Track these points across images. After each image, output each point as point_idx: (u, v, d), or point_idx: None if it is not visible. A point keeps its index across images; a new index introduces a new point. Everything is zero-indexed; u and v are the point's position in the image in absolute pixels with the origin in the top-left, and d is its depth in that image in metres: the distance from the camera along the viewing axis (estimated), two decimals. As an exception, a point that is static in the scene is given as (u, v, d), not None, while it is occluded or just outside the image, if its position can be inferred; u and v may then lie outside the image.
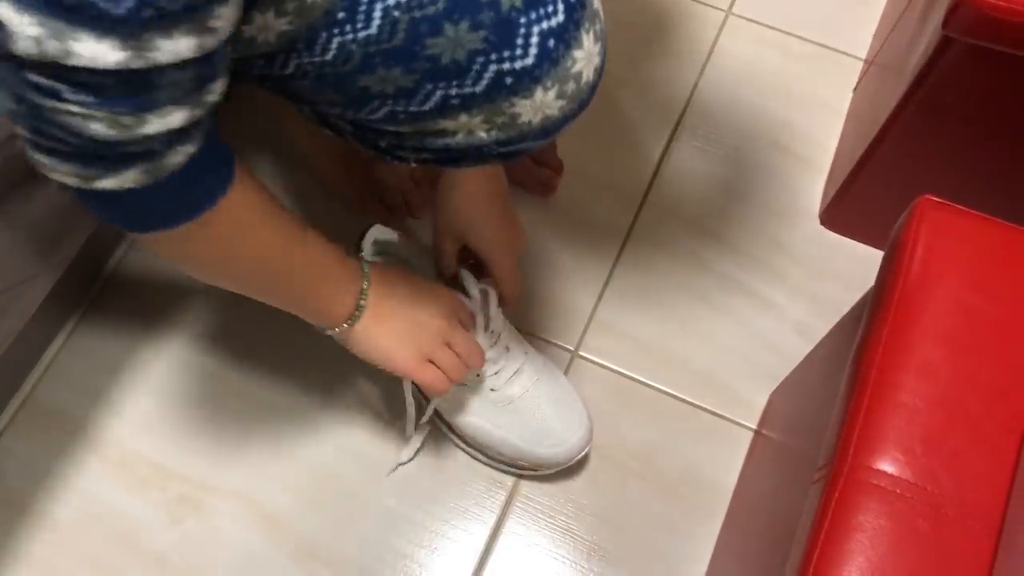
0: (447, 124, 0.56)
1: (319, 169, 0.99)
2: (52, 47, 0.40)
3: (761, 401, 0.93)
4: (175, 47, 0.42)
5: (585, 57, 0.57)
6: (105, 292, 0.95)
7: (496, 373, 0.83)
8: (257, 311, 0.94)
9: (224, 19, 0.44)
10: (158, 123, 0.45)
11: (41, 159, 0.47)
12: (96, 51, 0.40)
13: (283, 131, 0.99)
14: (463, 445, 0.89)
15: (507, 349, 0.83)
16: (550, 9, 0.54)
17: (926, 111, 0.83)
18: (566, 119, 0.59)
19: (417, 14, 0.50)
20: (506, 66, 0.53)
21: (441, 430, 0.89)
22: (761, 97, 1.11)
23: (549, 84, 0.55)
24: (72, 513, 0.86)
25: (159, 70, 0.43)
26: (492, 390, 0.83)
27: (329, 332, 0.71)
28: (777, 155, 1.08)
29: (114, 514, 0.86)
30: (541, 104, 0.56)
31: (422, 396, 0.85)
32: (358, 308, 0.70)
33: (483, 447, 0.87)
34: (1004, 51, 0.73)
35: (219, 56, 0.46)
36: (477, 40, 0.52)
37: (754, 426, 0.93)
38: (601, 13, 0.59)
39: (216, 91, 0.48)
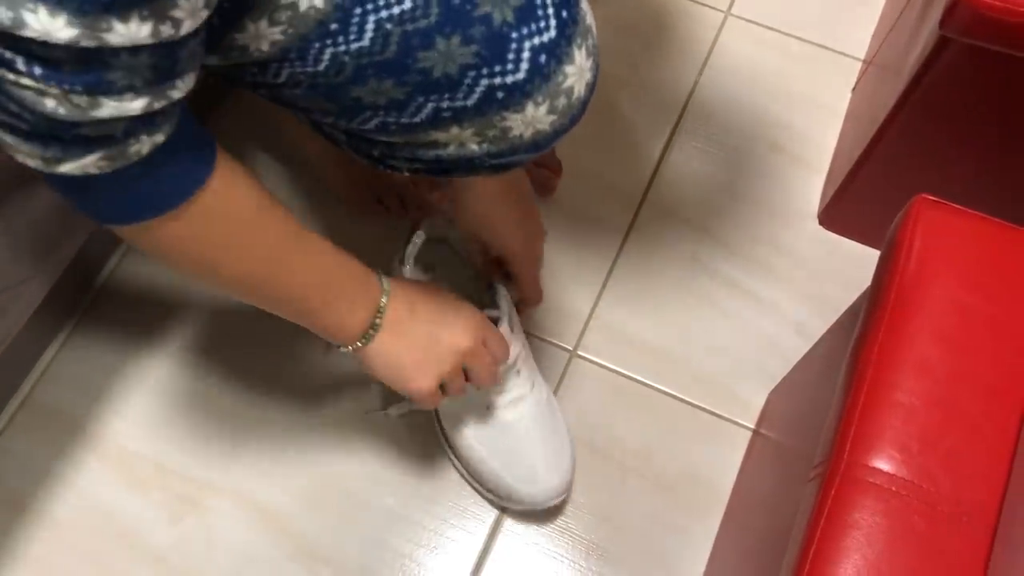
0: (439, 136, 0.56)
1: (318, 170, 0.99)
2: (4, 15, 0.40)
3: (759, 400, 0.94)
4: (129, 31, 0.42)
5: (576, 72, 0.57)
6: (104, 292, 0.95)
7: (499, 393, 0.82)
8: (257, 310, 0.95)
9: (185, 12, 0.43)
10: (113, 108, 0.44)
11: (6, 138, 0.47)
12: (48, 25, 0.40)
13: (282, 135, 1.00)
14: (450, 454, 0.88)
15: (518, 373, 0.82)
16: (542, 25, 0.54)
17: (924, 111, 0.83)
18: (557, 134, 0.59)
19: (409, 27, 0.50)
20: (497, 80, 0.54)
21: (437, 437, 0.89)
22: (760, 97, 1.11)
23: (540, 99, 0.56)
24: (71, 512, 0.86)
25: (113, 51, 0.42)
26: (488, 408, 0.83)
27: (341, 348, 0.67)
28: (776, 155, 1.08)
29: (113, 513, 0.86)
30: (532, 119, 0.56)
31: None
32: (373, 326, 0.66)
33: (464, 462, 0.86)
34: (1001, 51, 0.73)
35: (183, 50, 0.45)
36: (469, 54, 0.52)
37: (752, 425, 0.93)
38: (594, 29, 0.59)
39: (180, 88, 0.47)
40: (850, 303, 0.72)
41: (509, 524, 0.87)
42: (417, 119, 0.55)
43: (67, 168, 0.47)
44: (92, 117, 0.45)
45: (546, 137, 0.59)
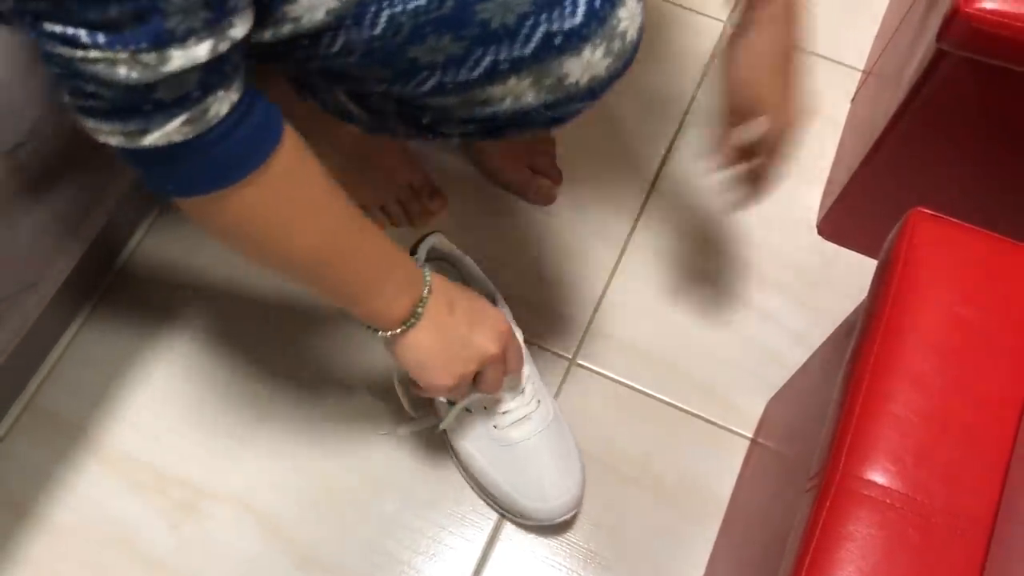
0: (495, 91, 0.58)
1: None
2: None
3: (758, 410, 0.94)
4: None
5: (629, 16, 0.59)
6: (106, 299, 0.96)
7: (504, 412, 0.82)
8: (258, 318, 0.95)
9: None
10: (181, 57, 0.45)
11: (87, 122, 0.48)
12: None
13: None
14: (459, 467, 0.89)
15: (523, 392, 0.82)
16: None
17: (922, 122, 0.84)
18: (611, 78, 0.61)
19: None
20: (555, 27, 0.55)
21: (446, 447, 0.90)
22: (759, 107, 1.11)
23: (597, 42, 0.57)
24: (72, 517, 0.86)
25: None
26: (495, 427, 0.83)
27: (379, 333, 0.68)
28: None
29: (114, 518, 0.86)
30: (588, 64, 0.58)
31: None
32: (414, 315, 0.67)
33: (473, 477, 0.87)
34: (999, 64, 0.73)
35: None
36: (526, 3, 0.53)
37: (750, 434, 0.93)
38: None
39: (238, 26, 0.47)
40: (848, 313, 0.72)
41: (507, 532, 0.88)
42: (475, 74, 0.56)
43: (152, 139, 0.48)
44: (164, 73, 0.45)
45: (601, 83, 0.60)
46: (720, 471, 0.91)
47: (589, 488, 0.89)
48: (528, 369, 0.83)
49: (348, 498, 0.88)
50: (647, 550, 0.88)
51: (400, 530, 0.87)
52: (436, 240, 0.86)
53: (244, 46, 0.49)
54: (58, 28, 0.43)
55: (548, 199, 1.03)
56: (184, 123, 0.48)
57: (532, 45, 0.55)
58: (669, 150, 1.08)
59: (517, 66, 0.56)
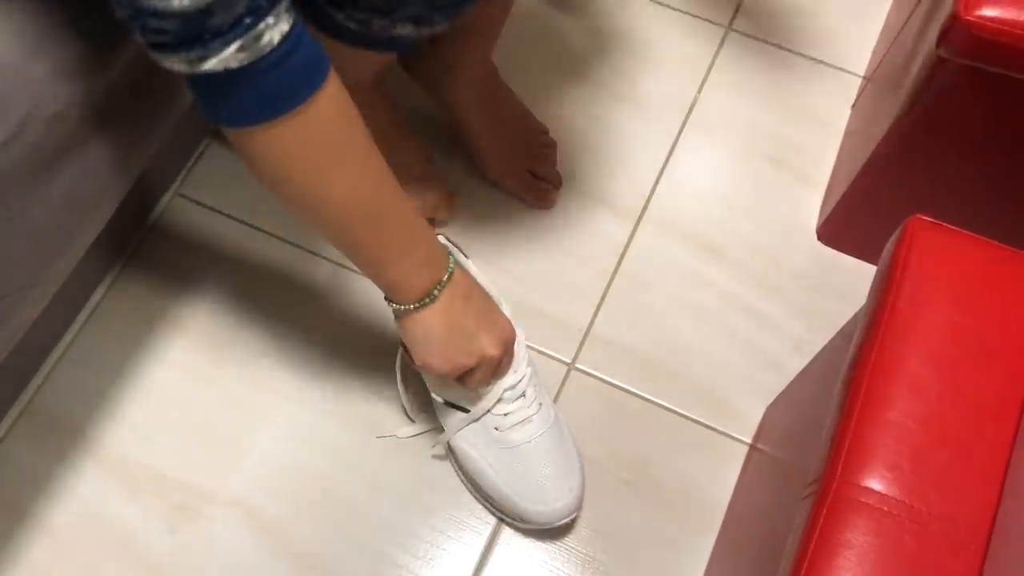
0: None
1: None
2: None
3: (757, 415, 0.94)
4: None
5: None
6: (104, 301, 0.96)
7: (505, 415, 0.82)
8: (256, 323, 0.95)
9: None
10: None
11: (158, 56, 0.52)
12: None
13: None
14: (457, 470, 0.89)
15: (523, 395, 0.83)
16: None
17: (922, 129, 0.84)
18: None
19: None
20: None
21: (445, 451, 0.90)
22: (760, 113, 1.12)
23: None
24: (70, 520, 0.86)
25: None
26: (496, 429, 0.83)
27: (393, 304, 0.71)
28: (775, 171, 1.08)
29: (112, 521, 0.86)
30: None
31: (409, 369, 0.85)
32: (430, 296, 0.70)
33: (472, 480, 0.87)
34: (998, 72, 0.73)
35: None
36: None
37: (749, 440, 0.93)
38: None
39: None
40: (848, 319, 0.72)
41: (505, 537, 0.88)
42: None
43: (211, 64, 0.52)
44: None
45: None
46: (719, 477, 0.91)
47: (588, 493, 0.89)
48: (529, 371, 0.84)
49: (346, 501, 0.88)
50: (645, 555, 0.88)
51: (398, 534, 0.87)
52: (441, 240, 0.86)
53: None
54: None
55: (548, 203, 1.03)
56: (239, 49, 0.52)
57: None
58: (670, 154, 1.08)
59: None
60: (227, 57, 0.52)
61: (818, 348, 0.84)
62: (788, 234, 1.04)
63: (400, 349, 0.84)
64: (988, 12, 0.70)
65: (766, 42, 1.17)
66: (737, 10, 1.19)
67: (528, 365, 0.84)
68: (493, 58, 0.99)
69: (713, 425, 0.94)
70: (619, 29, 1.16)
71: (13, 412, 0.90)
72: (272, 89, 0.55)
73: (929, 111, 0.81)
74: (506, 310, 0.82)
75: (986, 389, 0.55)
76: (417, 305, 0.70)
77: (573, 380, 0.95)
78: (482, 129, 0.99)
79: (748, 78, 1.14)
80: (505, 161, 1.01)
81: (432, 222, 0.99)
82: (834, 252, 1.04)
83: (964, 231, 0.62)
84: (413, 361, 0.75)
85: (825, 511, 0.52)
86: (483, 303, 0.74)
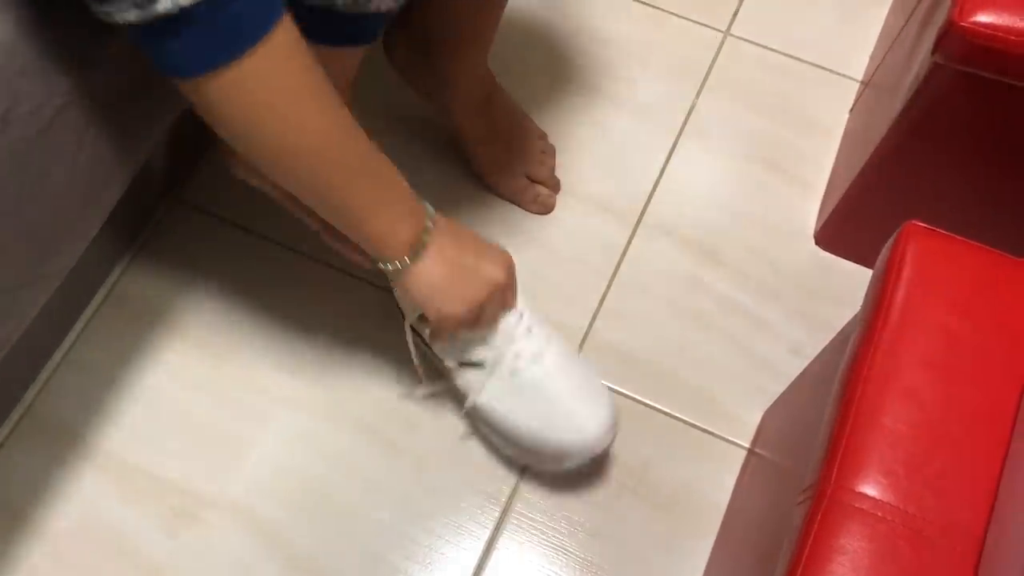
0: None
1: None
2: None
3: (754, 419, 0.94)
4: None
5: None
6: (104, 306, 0.96)
7: (517, 355, 0.81)
8: (254, 328, 0.96)
9: None
10: None
11: (104, 9, 0.51)
12: None
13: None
14: (489, 434, 0.88)
15: (529, 331, 0.82)
16: None
17: (918, 134, 0.84)
18: None
19: None
20: None
21: (467, 418, 0.89)
22: (758, 117, 1.12)
23: None
24: (70, 524, 0.87)
25: None
26: (512, 375, 0.82)
27: (389, 266, 0.70)
28: (773, 175, 1.09)
29: (111, 526, 0.87)
30: None
31: (424, 343, 0.85)
32: (421, 244, 0.69)
33: (505, 435, 0.86)
34: (994, 78, 0.74)
35: None
36: None
37: (747, 444, 0.93)
38: None
39: None
40: (845, 322, 0.72)
41: (503, 541, 0.88)
42: None
43: (164, 5, 0.50)
44: None
45: None
46: (717, 481, 0.91)
47: (586, 497, 0.89)
48: (539, 316, 0.84)
49: (345, 505, 0.88)
50: (644, 559, 0.88)
51: (397, 538, 0.87)
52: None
53: None
54: None
55: (546, 208, 1.04)
56: None
57: None
58: (668, 159, 1.08)
59: None
60: None
61: (815, 352, 0.84)
62: (786, 238, 1.05)
63: (408, 325, 0.84)
64: (983, 18, 0.70)
65: (764, 47, 1.17)
66: (735, 15, 1.19)
67: (535, 310, 0.83)
68: (490, 63, 1.00)
69: (711, 429, 0.94)
70: (617, 34, 1.16)
71: (14, 416, 0.91)
72: (229, 23, 0.54)
73: (925, 116, 0.81)
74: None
75: (980, 395, 0.55)
76: (411, 257, 0.69)
77: (571, 384, 0.95)
78: (479, 135, 0.99)
79: (746, 83, 1.14)
80: (502, 167, 1.01)
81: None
82: (832, 256, 1.04)
83: (959, 237, 0.62)
84: (431, 328, 0.75)
85: (820, 516, 0.52)
86: (472, 237, 0.75)
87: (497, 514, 0.89)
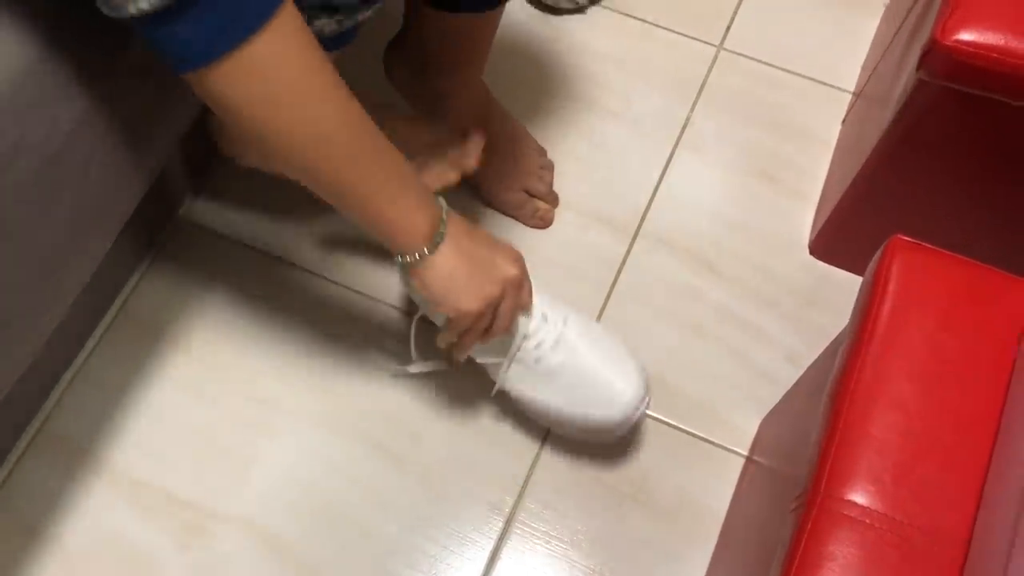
0: None
1: None
2: None
3: (752, 427, 0.96)
4: None
5: None
6: (115, 324, 0.99)
7: (537, 345, 0.83)
8: (262, 344, 0.98)
9: None
10: None
11: (114, 4, 0.52)
12: None
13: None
14: (527, 413, 0.90)
15: (544, 318, 0.84)
16: None
17: (906, 147, 0.86)
18: None
19: None
20: None
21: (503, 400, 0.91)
22: (752, 129, 1.14)
23: None
24: (83, 540, 0.89)
25: None
26: (537, 362, 0.84)
27: (408, 258, 0.70)
28: (768, 186, 1.11)
29: (123, 541, 0.89)
30: None
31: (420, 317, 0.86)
32: (439, 235, 0.70)
33: (542, 417, 0.88)
34: (978, 93, 0.75)
35: None
36: None
37: (745, 452, 0.95)
38: None
39: None
40: (839, 331, 0.74)
41: (507, 551, 0.90)
42: None
43: None
44: None
45: None
46: (716, 488, 0.93)
47: (589, 505, 0.91)
48: (548, 297, 0.85)
49: (352, 517, 0.90)
50: (646, 566, 0.90)
51: (403, 550, 0.89)
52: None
53: None
54: None
55: (545, 222, 1.06)
56: None
57: None
58: (664, 172, 1.10)
59: None
60: None
61: (811, 360, 0.85)
62: (781, 248, 1.07)
63: (414, 321, 0.85)
64: (966, 37, 0.72)
65: (757, 60, 1.19)
66: (728, 29, 1.21)
67: (543, 294, 0.85)
68: (487, 80, 1.02)
69: (709, 438, 0.96)
70: (612, 49, 1.18)
71: (27, 434, 0.93)
72: (234, 6, 0.55)
73: (912, 130, 0.83)
74: None
75: (965, 404, 0.57)
76: (430, 248, 0.70)
77: (572, 395, 0.97)
78: (478, 151, 1.01)
79: (740, 96, 1.16)
80: (501, 181, 1.03)
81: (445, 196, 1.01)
82: (826, 265, 1.06)
83: (944, 250, 0.64)
84: (445, 325, 0.76)
85: (810, 524, 0.54)
86: (483, 233, 0.76)
87: (501, 524, 0.91)
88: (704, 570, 0.89)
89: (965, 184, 0.86)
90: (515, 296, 0.77)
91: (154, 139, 0.80)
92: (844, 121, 1.14)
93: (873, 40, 1.19)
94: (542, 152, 1.07)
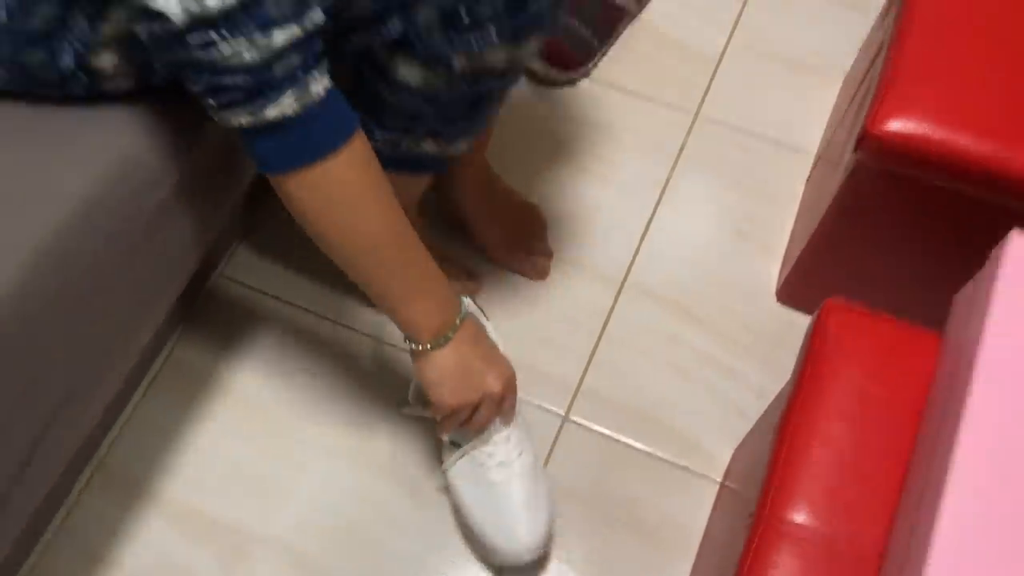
0: None
1: None
2: (190, 6, 0.58)
3: (726, 456, 1.08)
4: None
5: None
6: (162, 371, 1.11)
7: (490, 455, 0.95)
8: (297, 386, 1.10)
9: None
10: (281, 34, 0.61)
11: (225, 116, 0.64)
12: None
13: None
14: (451, 504, 1.02)
15: (507, 439, 0.95)
16: None
17: (850, 211, 0.98)
18: None
19: None
20: None
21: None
22: (726, 190, 1.27)
23: None
24: (139, 563, 1.01)
25: None
26: (481, 466, 0.95)
27: (413, 345, 0.82)
28: (740, 241, 1.24)
29: (175, 564, 1.01)
30: None
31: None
32: (444, 338, 0.81)
33: (458, 513, 1.00)
34: (908, 174, 0.88)
35: None
36: None
37: (719, 479, 1.07)
38: None
39: (314, 17, 0.63)
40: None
41: (509, 571, 1.02)
42: None
43: (272, 112, 0.64)
44: (273, 48, 0.61)
45: None
46: (694, 511, 1.05)
47: (580, 527, 1.03)
48: (519, 420, 0.97)
49: (378, 543, 1.02)
50: (633, 581, 1.02)
51: (414, 569, 1.01)
52: (466, 301, 1.00)
53: (323, 38, 0.65)
54: (195, 38, 0.59)
55: (542, 275, 1.19)
56: (294, 99, 0.64)
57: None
58: (647, 229, 1.23)
59: None
60: (285, 105, 0.63)
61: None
62: (752, 296, 1.19)
63: (412, 385, 0.99)
64: (895, 127, 0.85)
65: (730, 125, 1.32)
66: (704, 96, 1.35)
67: (517, 415, 0.97)
68: (491, 149, 1.15)
69: (689, 466, 1.08)
70: (599, 118, 1.32)
71: (88, 469, 1.05)
72: (319, 132, 0.66)
73: (853, 198, 0.95)
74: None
75: (883, 439, 0.70)
76: (433, 345, 0.81)
77: (567, 430, 1.10)
78: (481, 221, 1.14)
79: (715, 158, 1.30)
80: (504, 248, 1.16)
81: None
82: (791, 311, 1.18)
83: (873, 311, 0.76)
84: (429, 405, 0.88)
85: (756, 539, 0.66)
86: (488, 347, 0.87)
87: (505, 544, 1.03)
88: (684, 583, 1.01)
89: (896, 246, 0.98)
90: (492, 407, 0.89)
91: (220, 205, 0.91)
92: (808, 180, 1.27)
93: (833, 107, 1.32)
94: (539, 215, 1.20)
